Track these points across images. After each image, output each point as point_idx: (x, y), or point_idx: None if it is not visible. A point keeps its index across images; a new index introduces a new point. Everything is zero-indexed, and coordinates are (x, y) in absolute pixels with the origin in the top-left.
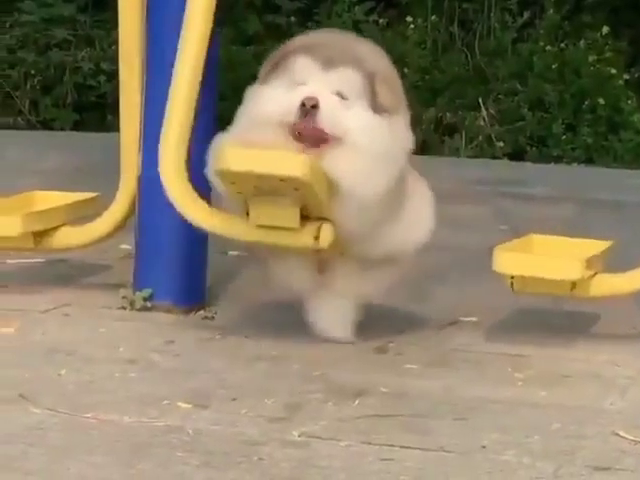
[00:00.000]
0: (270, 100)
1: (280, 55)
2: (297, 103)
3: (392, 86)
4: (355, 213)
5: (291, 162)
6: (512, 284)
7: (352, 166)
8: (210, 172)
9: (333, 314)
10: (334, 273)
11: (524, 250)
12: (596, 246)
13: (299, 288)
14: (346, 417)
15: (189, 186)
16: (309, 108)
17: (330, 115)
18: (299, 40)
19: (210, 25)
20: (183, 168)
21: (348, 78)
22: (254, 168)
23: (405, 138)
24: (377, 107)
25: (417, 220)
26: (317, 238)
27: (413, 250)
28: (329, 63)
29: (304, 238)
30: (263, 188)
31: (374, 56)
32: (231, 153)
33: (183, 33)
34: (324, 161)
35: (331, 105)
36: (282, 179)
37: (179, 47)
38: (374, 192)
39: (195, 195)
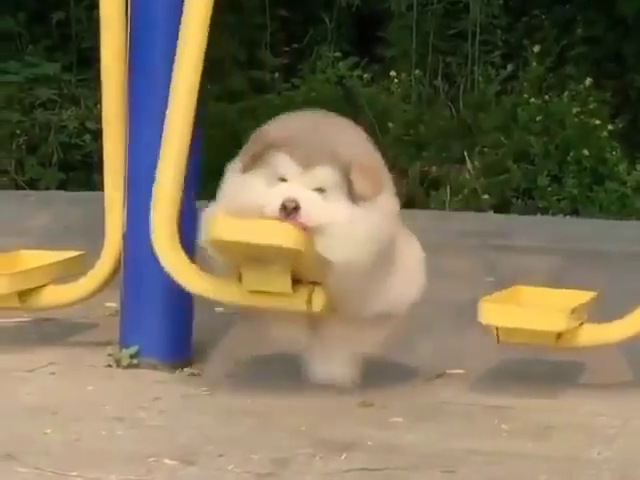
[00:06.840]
0: (252, 192)
1: (260, 147)
2: (279, 202)
3: (369, 173)
4: (343, 280)
5: (282, 232)
6: (497, 335)
7: (335, 248)
8: (202, 240)
9: (329, 363)
10: (328, 329)
11: (509, 301)
12: (580, 297)
13: (293, 343)
14: (333, 471)
15: (182, 253)
16: (290, 210)
17: (310, 212)
18: (278, 130)
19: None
20: (175, 235)
21: (326, 174)
22: (245, 238)
23: (387, 216)
24: (355, 196)
25: (408, 278)
26: (309, 302)
27: (405, 308)
28: (307, 162)
29: (297, 302)
30: (254, 255)
31: (351, 144)
32: (222, 222)
33: (171, 101)
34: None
35: (310, 203)
36: (273, 248)
37: (168, 115)
38: (358, 267)
39: (188, 261)
